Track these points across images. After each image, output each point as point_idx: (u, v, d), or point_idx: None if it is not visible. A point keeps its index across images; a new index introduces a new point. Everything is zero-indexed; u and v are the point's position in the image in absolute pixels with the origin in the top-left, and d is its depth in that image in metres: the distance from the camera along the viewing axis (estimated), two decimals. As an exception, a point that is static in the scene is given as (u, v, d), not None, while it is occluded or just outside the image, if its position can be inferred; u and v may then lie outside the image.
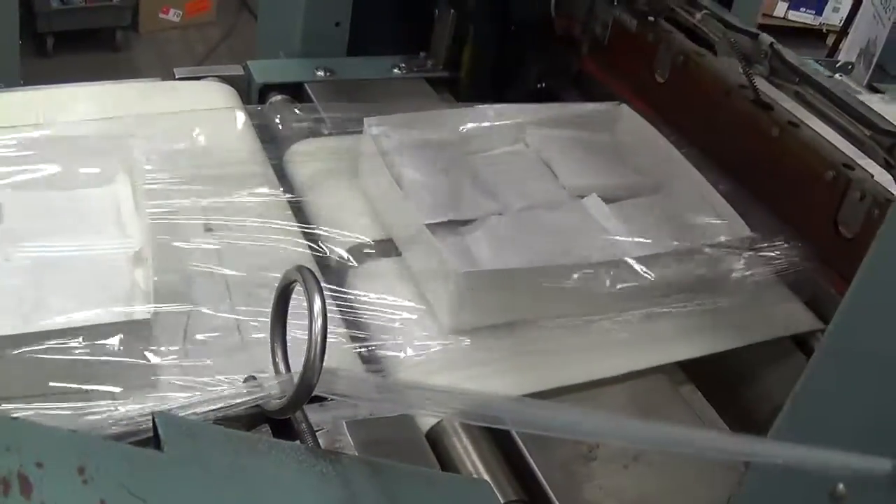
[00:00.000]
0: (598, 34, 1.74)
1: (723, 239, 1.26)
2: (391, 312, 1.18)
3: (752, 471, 0.77)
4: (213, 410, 0.78)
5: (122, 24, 4.43)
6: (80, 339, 0.99)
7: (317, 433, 0.94)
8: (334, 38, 1.76)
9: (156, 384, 1.01)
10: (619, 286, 1.18)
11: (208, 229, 1.26)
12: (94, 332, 1.00)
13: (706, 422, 1.17)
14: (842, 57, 2.87)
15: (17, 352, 0.97)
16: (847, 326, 0.64)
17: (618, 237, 1.29)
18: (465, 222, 1.31)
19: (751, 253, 1.28)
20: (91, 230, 1.20)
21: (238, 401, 0.78)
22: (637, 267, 1.18)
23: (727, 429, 1.17)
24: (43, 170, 1.27)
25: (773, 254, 1.29)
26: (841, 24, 3.71)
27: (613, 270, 1.18)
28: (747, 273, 1.28)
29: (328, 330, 0.77)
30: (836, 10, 5.04)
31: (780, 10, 5.18)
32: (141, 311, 1.05)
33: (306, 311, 0.78)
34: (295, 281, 0.88)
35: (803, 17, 5.18)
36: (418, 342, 1.14)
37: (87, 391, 0.97)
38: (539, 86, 1.81)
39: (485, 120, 1.48)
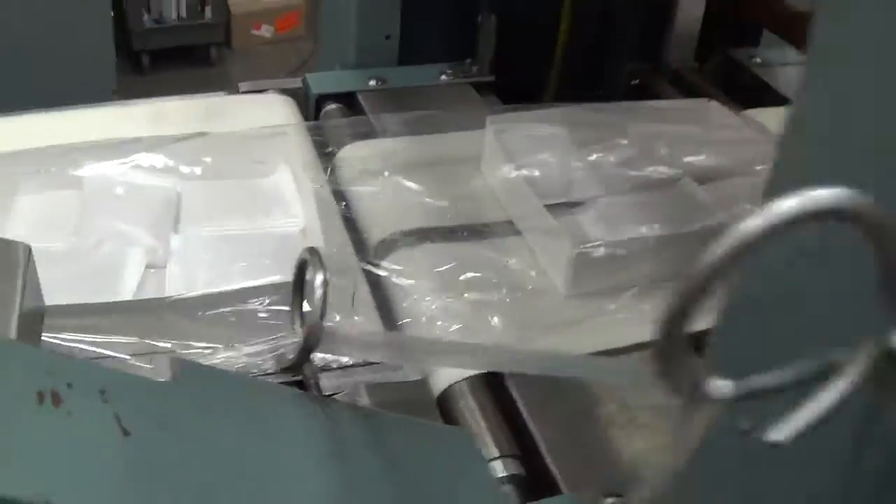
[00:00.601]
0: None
1: None
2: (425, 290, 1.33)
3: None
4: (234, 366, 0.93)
5: (215, 40, 4.57)
6: (265, 299, 1.15)
7: (336, 395, 1.09)
8: (386, 49, 1.91)
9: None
10: None
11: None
12: (277, 291, 1.16)
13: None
14: None
15: (209, 310, 1.13)
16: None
17: (714, 212, 1.44)
18: (575, 204, 1.51)
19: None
20: (261, 212, 1.40)
21: (254, 358, 0.94)
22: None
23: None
24: (214, 164, 1.49)
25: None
26: None
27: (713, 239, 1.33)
28: None
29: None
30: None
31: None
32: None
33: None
34: (306, 259, 1.04)
35: None
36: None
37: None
38: (632, 83, 1.96)
39: (591, 116, 1.66)
